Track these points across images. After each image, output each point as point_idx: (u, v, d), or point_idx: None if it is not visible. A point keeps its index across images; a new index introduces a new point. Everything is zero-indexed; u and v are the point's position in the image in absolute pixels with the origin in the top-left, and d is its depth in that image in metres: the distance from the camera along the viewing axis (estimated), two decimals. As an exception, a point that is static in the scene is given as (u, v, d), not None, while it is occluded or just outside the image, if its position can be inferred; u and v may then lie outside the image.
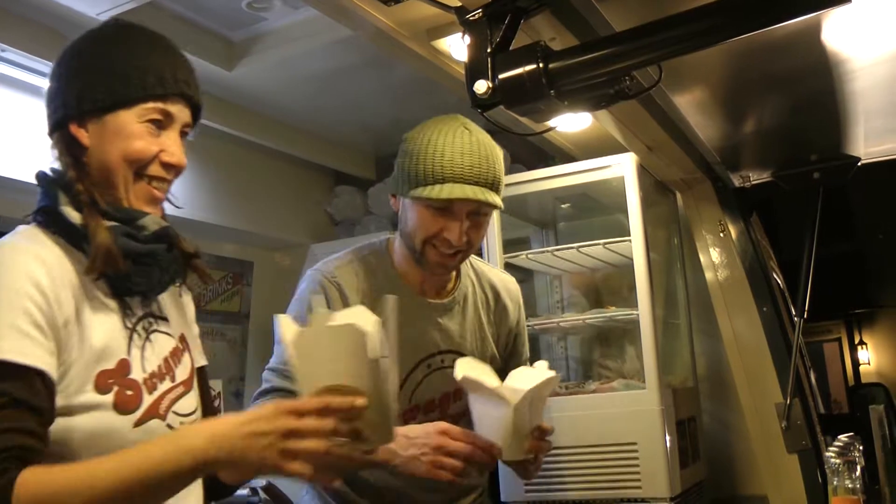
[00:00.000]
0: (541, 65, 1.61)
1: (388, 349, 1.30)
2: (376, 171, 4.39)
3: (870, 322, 13.89)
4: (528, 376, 1.90)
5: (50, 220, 1.39)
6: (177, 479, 1.24)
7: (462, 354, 2.03)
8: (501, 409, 1.83)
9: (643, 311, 2.79)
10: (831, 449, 1.62)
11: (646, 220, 2.86)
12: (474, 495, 2.19)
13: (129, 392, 1.36)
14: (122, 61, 1.44)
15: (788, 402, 3.14)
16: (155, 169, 1.44)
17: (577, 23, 1.76)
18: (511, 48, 1.67)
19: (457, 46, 2.01)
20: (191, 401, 1.52)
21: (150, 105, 1.43)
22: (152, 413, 1.40)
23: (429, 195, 1.89)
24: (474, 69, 1.67)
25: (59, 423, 1.26)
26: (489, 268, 2.27)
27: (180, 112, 1.48)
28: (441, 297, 2.10)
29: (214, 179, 3.58)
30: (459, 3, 1.72)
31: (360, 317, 1.32)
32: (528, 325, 3.01)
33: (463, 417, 2.04)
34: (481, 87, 1.66)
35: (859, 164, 3.03)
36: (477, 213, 1.95)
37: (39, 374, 1.24)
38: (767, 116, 2.66)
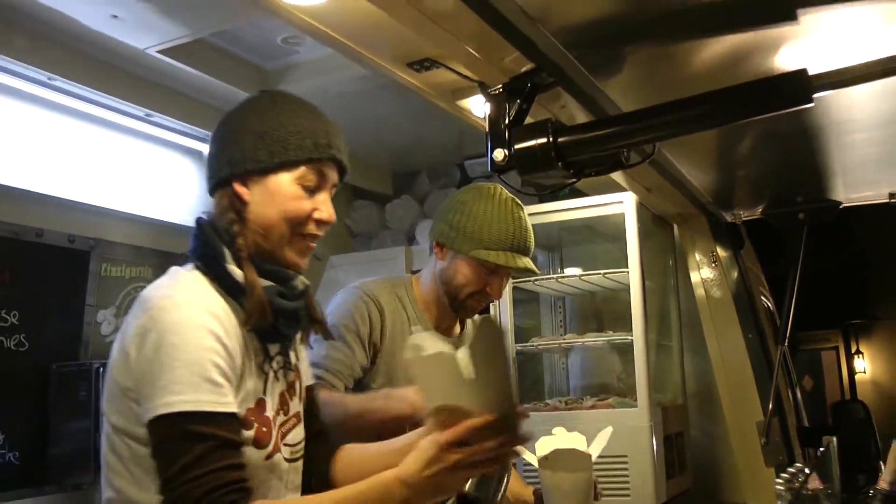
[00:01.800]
0: (551, 139, 1.86)
1: (493, 364, 1.43)
2: (393, 187, 4.64)
3: (867, 333, 14.09)
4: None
5: (212, 272, 1.54)
6: None
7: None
8: (581, 467, 2.16)
9: (637, 336, 3.05)
10: (781, 476, 1.86)
11: (643, 251, 3.12)
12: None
13: (265, 429, 1.53)
14: (282, 126, 1.58)
15: (768, 420, 3.39)
16: (310, 227, 1.60)
17: (584, 98, 2.01)
18: (525, 122, 1.92)
19: (477, 105, 2.25)
20: (299, 431, 1.69)
21: (308, 168, 1.59)
22: (276, 448, 1.57)
23: (493, 260, 2.25)
24: (493, 138, 1.92)
25: None
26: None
27: (331, 173, 1.65)
28: (451, 335, 2.40)
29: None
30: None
31: (440, 343, 1.50)
32: (532, 345, 3.30)
33: None
34: (499, 155, 1.91)
35: (841, 206, 3.28)
36: (509, 274, 2.36)
37: (233, 416, 1.43)
38: (756, 167, 2.90)
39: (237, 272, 1.53)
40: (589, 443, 2.24)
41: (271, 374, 1.61)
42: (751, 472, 3.36)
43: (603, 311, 3.70)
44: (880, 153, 2.72)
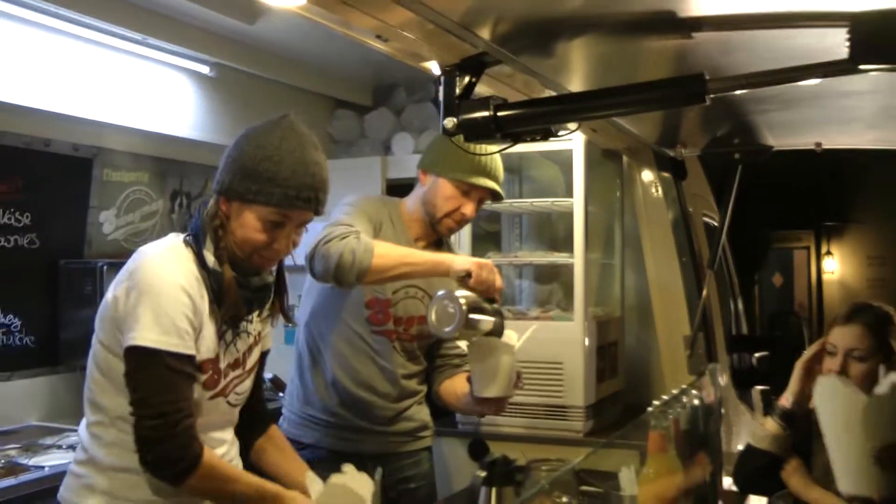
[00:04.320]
0: (492, 113, 2.21)
1: None
2: (373, 98, 4.96)
3: (839, 235, 14.64)
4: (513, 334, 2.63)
5: (195, 249, 1.92)
6: None
7: (427, 294, 2.78)
8: (507, 360, 2.55)
9: (577, 258, 3.44)
10: (656, 402, 2.26)
11: (590, 182, 3.49)
12: (417, 398, 2.90)
13: (216, 377, 1.95)
14: (268, 171, 1.89)
15: (693, 334, 3.84)
16: (267, 254, 1.96)
17: (526, 76, 2.35)
18: (472, 96, 2.26)
19: (436, 67, 2.56)
20: (248, 383, 2.10)
21: (276, 210, 1.91)
22: (221, 393, 1.99)
23: (465, 179, 2.71)
24: (446, 109, 2.26)
25: None
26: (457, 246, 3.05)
27: (301, 216, 1.96)
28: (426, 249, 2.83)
29: (235, 109, 4.17)
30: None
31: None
32: (489, 258, 3.70)
33: (418, 339, 2.82)
34: (449, 123, 2.23)
35: (773, 150, 3.64)
36: (482, 200, 2.80)
37: (192, 358, 1.86)
38: (694, 116, 3.24)
39: (210, 259, 1.91)
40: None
41: (230, 335, 2.01)
42: (675, 380, 3.78)
43: (557, 228, 4.07)
44: (794, 119, 3.08)
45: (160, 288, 1.84)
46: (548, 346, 3.43)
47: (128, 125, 3.69)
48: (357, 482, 1.98)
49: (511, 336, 2.64)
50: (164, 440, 1.80)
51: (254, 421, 2.23)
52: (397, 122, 4.83)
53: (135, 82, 3.67)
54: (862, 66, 1.86)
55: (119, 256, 3.83)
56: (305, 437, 2.77)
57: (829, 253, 14.68)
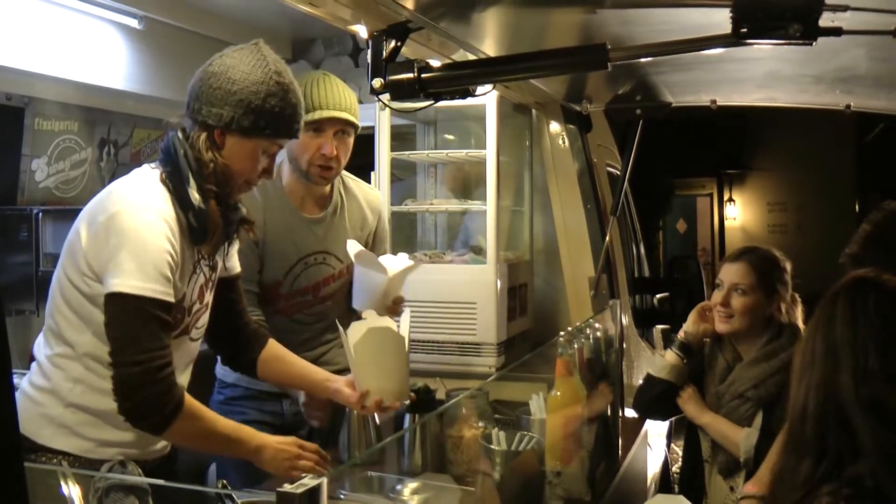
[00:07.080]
0: (416, 75, 2.43)
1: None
2: (292, 52, 5.10)
3: (740, 182, 15.29)
4: (397, 260, 2.82)
5: (173, 186, 1.91)
6: (230, 452, 2.08)
7: (330, 254, 2.87)
8: (380, 277, 2.73)
9: (490, 206, 3.70)
10: (563, 333, 2.55)
11: (501, 134, 3.73)
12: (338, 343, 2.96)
13: (179, 316, 1.96)
14: (269, 107, 1.94)
15: (597, 276, 4.16)
16: (254, 180, 2.05)
17: (447, 41, 2.58)
18: (398, 59, 2.48)
19: (364, 30, 2.77)
20: (205, 317, 2.12)
21: (275, 140, 2.02)
22: (185, 331, 2.01)
23: (309, 118, 2.60)
24: (374, 70, 2.47)
25: None
26: (356, 184, 3.02)
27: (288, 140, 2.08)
28: (316, 212, 2.85)
29: (162, 61, 4.27)
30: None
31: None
32: (404, 207, 3.93)
33: (331, 298, 2.90)
34: (377, 83, 2.45)
35: (671, 105, 3.95)
36: (343, 133, 2.72)
37: (171, 305, 1.87)
38: (598, 78, 3.51)
39: (195, 197, 1.91)
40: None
41: (197, 271, 2.04)
42: (580, 318, 4.07)
43: (471, 177, 4.32)
44: (690, 80, 3.38)
45: (144, 233, 1.84)
46: (462, 287, 3.70)
47: (59, 76, 3.78)
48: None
49: (399, 260, 2.85)
50: (145, 386, 1.79)
51: (250, 340, 2.37)
52: (317, 74, 4.98)
53: (67, 34, 3.75)
54: (743, 41, 2.15)
55: (51, 203, 3.98)
56: (227, 376, 2.89)
57: (731, 200, 15.37)
